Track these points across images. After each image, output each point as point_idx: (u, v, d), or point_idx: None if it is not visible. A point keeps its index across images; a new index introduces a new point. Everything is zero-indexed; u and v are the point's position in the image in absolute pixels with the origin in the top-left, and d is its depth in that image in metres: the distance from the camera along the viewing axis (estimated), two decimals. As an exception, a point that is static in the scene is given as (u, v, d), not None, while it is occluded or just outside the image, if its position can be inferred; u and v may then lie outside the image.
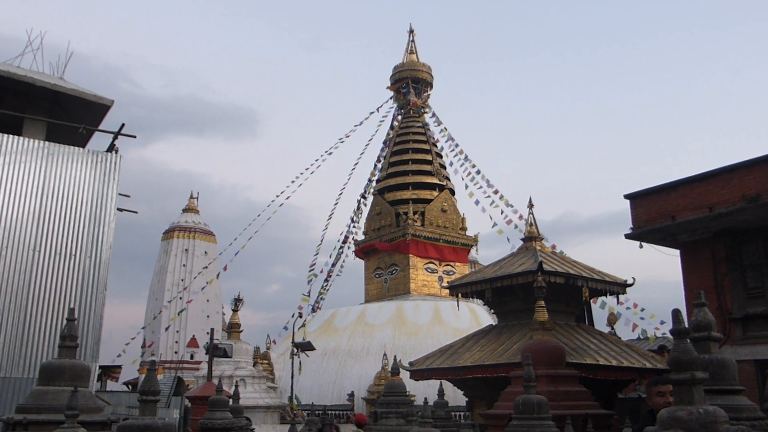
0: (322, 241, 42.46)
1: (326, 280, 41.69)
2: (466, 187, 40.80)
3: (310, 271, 39.78)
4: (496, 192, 39.09)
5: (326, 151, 45.30)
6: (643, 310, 26.04)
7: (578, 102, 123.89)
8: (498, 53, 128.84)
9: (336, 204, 44.42)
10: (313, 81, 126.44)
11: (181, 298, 38.21)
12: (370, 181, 45.06)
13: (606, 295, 17.02)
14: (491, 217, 38.29)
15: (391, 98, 47.70)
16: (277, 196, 42.95)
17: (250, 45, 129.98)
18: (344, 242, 43.43)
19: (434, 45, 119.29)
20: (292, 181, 43.27)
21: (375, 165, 45.38)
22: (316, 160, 44.91)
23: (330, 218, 43.44)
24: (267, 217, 40.82)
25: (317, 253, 41.59)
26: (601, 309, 23.31)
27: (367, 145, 46.01)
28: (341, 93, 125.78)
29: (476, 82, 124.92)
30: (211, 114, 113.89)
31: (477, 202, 39.28)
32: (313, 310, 38.73)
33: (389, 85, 47.55)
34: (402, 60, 47.54)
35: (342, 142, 46.00)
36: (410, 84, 46.52)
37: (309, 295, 38.12)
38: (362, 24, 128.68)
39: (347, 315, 37.37)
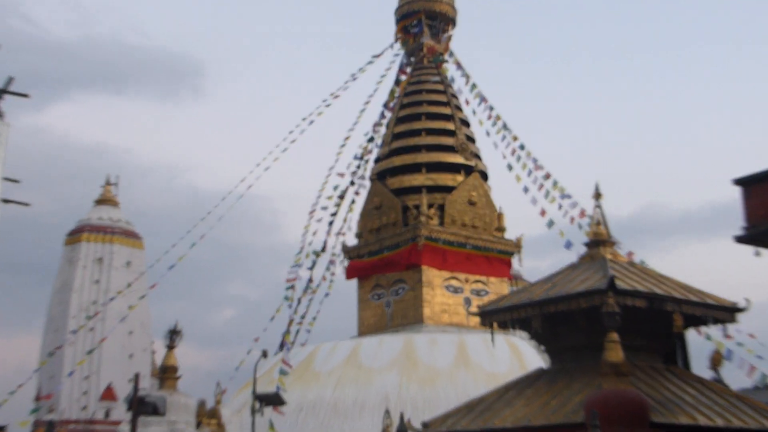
0: (303, 247, 42.17)
1: (299, 302, 41.64)
2: (510, 168, 40.63)
3: (288, 287, 39.64)
4: (547, 176, 38.97)
5: (304, 119, 45.19)
6: (762, 345, 26.07)
7: (666, 51, 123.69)
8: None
9: (319, 195, 44.17)
10: (283, 18, 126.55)
11: (92, 329, 38.16)
12: (362, 159, 44.90)
13: (708, 325, 17.16)
14: (543, 212, 38.08)
15: (396, 42, 47.52)
16: (236, 186, 42.85)
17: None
18: (323, 249, 43.28)
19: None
20: (258, 164, 43.15)
21: (372, 138, 45.28)
22: (290, 132, 44.78)
23: (312, 215, 43.24)
24: (219, 216, 40.74)
25: (297, 265, 41.41)
26: (702, 343, 23.29)
27: (362, 110, 45.89)
28: (324, 35, 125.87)
29: (519, 18, 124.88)
30: (138, 64, 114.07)
31: (526, 190, 39.18)
32: (281, 348, 38.60)
33: (394, 24, 47.37)
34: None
35: (327, 105, 45.85)
36: (424, 21, 46.37)
37: (290, 332, 37.92)
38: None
39: (332, 354, 37.29)
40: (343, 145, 44.90)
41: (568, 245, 34.91)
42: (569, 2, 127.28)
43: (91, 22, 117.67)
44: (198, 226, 39.85)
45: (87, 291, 41.16)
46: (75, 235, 43.35)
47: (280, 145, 44.11)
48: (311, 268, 42.87)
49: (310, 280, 42.68)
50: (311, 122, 45.11)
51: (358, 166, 44.96)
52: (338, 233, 43.97)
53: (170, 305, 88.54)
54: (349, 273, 43.09)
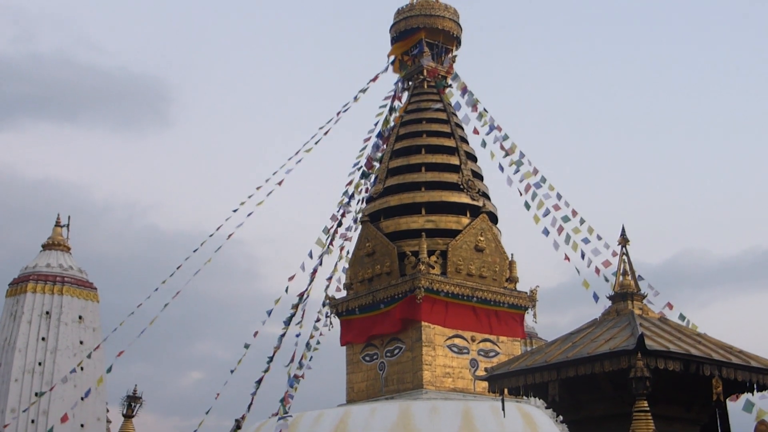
0: (306, 296, 41.97)
1: (270, 360, 41.41)
2: (527, 207, 40.61)
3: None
4: (574, 213, 38.91)
5: (290, 158, 45.27)
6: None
7: (711, 83, 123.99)
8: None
9: (328, 238, 44.13)
10: (263, 37, 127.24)
11: (37, 394, 37.81)
12: (352, 197, 44.97)
13: (753, 392, 17.17)
14: (567, 258, 38.03)
15: (391, 65, 47.81)
16: (211, 234, 42.64)
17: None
18: (304, 297, 43.14)
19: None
20: (235, 210, 42.96)
21: (364, 172, 45.39)
22: (274, 174, 44.72)
23: (312, 263, 43.17)
24: (195, 270, 40.54)
25: (291, 317, 41.38)
26: (744, 413, 23.19)
27: (363, 148, 45.97)
28: (309, 58, 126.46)
29: (535, 40, 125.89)
30: (93, 87, 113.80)
31: (546, 232, 39.17)
32: (248, 409, 38.33)
33: (389, 43, 47.76)
34: (410, 1, 47.91)
35: (316, 141, 45.95)
36: (424, 41, 46.70)
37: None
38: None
39: (317, 424, 37.05)
40: (345, 192, 44.80)
41: (596, 298, 34.83)
42: (600, 26, 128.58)
43: (36, 37, 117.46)
44: (168, 283, 39.60)
45: (32, 352, 40.88)
46: (19, 285, 43.16)
47: (262, 186, 43.95)
48: (287, 324, 42.65)
49: (283, 335, 42.52)
50: (299, 160, 45.22)
51: (348, 203, 45.02)
52: (326, 287, 43.87)
53: (128, 366, 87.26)
54: (344, 338, 42.79)
